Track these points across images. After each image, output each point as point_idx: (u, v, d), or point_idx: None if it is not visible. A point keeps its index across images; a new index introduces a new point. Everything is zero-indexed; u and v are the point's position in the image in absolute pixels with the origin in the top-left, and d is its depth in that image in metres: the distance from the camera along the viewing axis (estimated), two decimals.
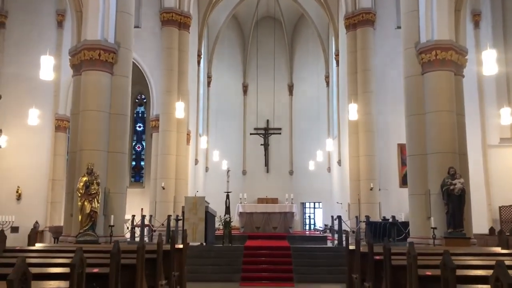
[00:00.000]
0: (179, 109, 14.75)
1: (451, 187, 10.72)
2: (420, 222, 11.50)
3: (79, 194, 10.88)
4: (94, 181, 10.97)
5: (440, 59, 11.51)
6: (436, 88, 11.53)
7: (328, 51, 27.76)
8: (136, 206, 21.85)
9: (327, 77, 27.91)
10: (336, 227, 19.13)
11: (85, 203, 10.81)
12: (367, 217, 13.23)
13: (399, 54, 19.37)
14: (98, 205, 10.95)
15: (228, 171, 13.68)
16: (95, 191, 10.90)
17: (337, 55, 24.34)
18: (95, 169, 11.11)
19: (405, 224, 14.22)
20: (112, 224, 11.11)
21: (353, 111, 14.58)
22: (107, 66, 11.81)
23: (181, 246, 8.10)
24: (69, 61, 12.46)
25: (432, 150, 11.44)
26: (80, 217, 10.82)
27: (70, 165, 12.17)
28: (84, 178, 10.96)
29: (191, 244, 12.13)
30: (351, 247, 7.96)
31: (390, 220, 15.06)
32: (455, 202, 10.66)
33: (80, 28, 12.29)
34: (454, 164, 11.12)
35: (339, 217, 12.33)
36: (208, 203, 12.95)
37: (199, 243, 12.17)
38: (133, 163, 25.46)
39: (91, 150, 11.43)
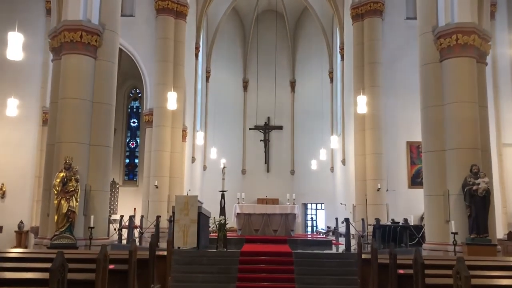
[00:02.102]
0: (172, 100, 13.52)
1: (474, 187, 9.50)
2: (438, 226, 10.28)
3: (55, 192, 9.70)
4: (73, 177, 9.78)
5: (461, 44, 10.29)
6: (456, 76, 10.32)
7: (332, 46, 26.55)
8: (129, 206, 20.74)
9: (331, 73, 26.69)
10: (340, 230, 18.02)
11: (62, 201, 9.62)
12: (377, 220, 12.01)
13: (409, 46, 18.50)
14: (77, 204, 9.75)
15: (224, 167, 12.43)
16: (73, 188, 9.70)
17: (341, 48, 23.18)
18: (74, 164, 9.92)
19: (417, 228, 13.02)
20: (92, 225, 9.89)
21: (362, 104, 13.34)
22: (90, 49, 10.61)
23: (164, 253, 6.91)
24: (49, 44, 11.27)
25: (451, 145, 10.23)
26: (56, 217, 9.62)
27: (48, 159, 10.98)
28: (61, 174, 9.76)
29: (182, 248, 10.93)
30: (365, 255, 6.76)
31: (401, 223, 13.86)
32: (479, 204, 9.44)
33: (61, 8, 11.10)
34: (476, 162, 9.91)
35: (347, 220, 11.10)
36: (202, 203, 11.73)
37: (191, 248, 10.95)
38: (127, 160, 24.26)
39: (71, 143, 10.22)
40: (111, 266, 5.14)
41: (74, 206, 9.66)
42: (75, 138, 10.27)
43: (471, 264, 6.14)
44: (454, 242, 9.41)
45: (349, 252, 10.51)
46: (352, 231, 15.41)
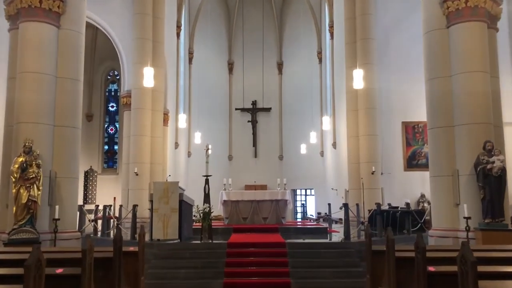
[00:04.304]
0: (148, 77, 12.21)
1: (489, 166, 8.49)
2: (446, 211, 9.27)
3: (13, 179, 8.43)
4: (33, 162, 8.53)
5: (471, 7, 9.20)
6: (465, 43, 9.26)
7: (321, 25, 25.37)
8: (109, 195, 19.49)
9: (319, 53, 25.55)
10: (333, 216, 17.04)
11: (21, 190, 8.37)
12: (378, 204, 11.01)
13: (404, 21, 17.40)
14: (39, 192, 8.51)
15: (208, 150, 11.25)
16: (33, 175, 8.45)
17: (331, 26, 22.02)
18: (35, 147, 8.66)
19: (419, 213, 12.05)
20: (57, 216, 8.66)
21: (358, 79, 12.20)
22: (52, 16, 9.28)
23: (135, 248, 5.75)
24: (4, 11, 9.89)
25: (460, 121, 9.20)
26: (14, 208, 8.37)
27: (6, 142, 9.68)
28: (20, 159, 8.50)
29: (162, 241, 9.76)
30: (376, 247, 5.69)
31: (400, 208, 12.89)
32: (494, 184, 8.44)
33: None
34: (490, 138, 8.89)
35: (346, 205, 10.05)
36: (184, 190, 10.56)
37: (172, 240, 9.78)
38: (106, 147, 22.89)
39: (31, 123, 8.96)
40: (59, 270, 3.98)
41: (36, 195, 8.42)
42: (36, 118, 9.01)
43: (504, 256, 5.09)
44: (467, 227, 8.41)
45: (348, 241, 9.47)
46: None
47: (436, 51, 9.63)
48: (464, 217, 8.48)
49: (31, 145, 8.59)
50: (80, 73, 9.82)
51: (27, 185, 8.40)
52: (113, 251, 4.86)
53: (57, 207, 8.72)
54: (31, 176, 8.43)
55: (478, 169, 8.59)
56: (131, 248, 5.78)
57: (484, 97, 9.14)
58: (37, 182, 8.47)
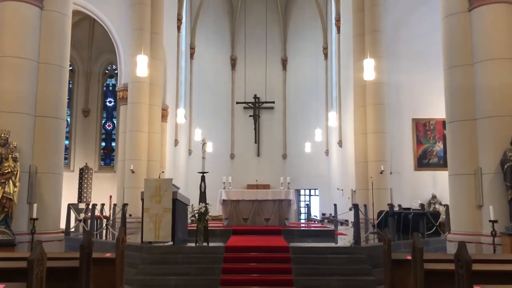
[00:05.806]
0: (141, 65, 11.36)
1: None
2: (467, 213, 8.38)
3: None
4: (10, 156, 7.70)
5: None
6: (489, 27, 8.38)
7: (327, 19, 24.53)
8: (105, 193, 18.73)
9: (325, 49, 24.70)
10: (339, 217, 16.14)
11: None
12: (391, 205, 10.11)
13: (414, 12, 16.59)
14: (16, 189, 7.68)
15: (204, 144, 10.36)
16: (9, 170, 7.62)
17: (337, 20, 21.19)
18: (12, 139, 7.83)
19: (434, 215, 11.14)
20: (35, 216, 7.82)
21: (369, 69, 11.27)
22: None
23: (112, 254, 4.88)
24: None
25: (484, 113, 8.32)
26: None
27: None
28: None
29: (153, 243, 8.88)
30: (396, 255, 4.80)
31: (412, 209, 11.98)
32: None
33: None
34: None
35: (356, 206, 9.15)
36: (178, 188, 9.67)
37: (165, 242, 8.91)
38: (103, 143, 22.06)
39: (8, 113, 8.12)
40: (1, 286, 3.12)
41: (11, 192, 7.58)
42: (14, 108, 8.18)
43: None
44: (493, 232, 7.51)
45: (358, 246, 8.57)
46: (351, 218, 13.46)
47: (456, 37, 8.76)
48: (490, 221, 7.58)
49: (7, 136, 7.77)
50: (65, 59, 9.00)
51: (2, 181, 7.57)
52: (80, 258, 4.00)
53: (35, 205, 7.88)
54: (6, 171, 7.60)
55: (506, 166, 7.70)
56: (108, 254, 4.92)
57: (511, 87, 8.24)
58: (13, 178, 7.64)
